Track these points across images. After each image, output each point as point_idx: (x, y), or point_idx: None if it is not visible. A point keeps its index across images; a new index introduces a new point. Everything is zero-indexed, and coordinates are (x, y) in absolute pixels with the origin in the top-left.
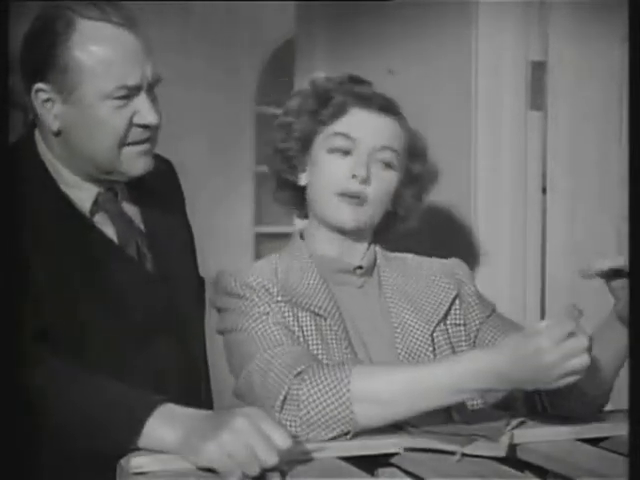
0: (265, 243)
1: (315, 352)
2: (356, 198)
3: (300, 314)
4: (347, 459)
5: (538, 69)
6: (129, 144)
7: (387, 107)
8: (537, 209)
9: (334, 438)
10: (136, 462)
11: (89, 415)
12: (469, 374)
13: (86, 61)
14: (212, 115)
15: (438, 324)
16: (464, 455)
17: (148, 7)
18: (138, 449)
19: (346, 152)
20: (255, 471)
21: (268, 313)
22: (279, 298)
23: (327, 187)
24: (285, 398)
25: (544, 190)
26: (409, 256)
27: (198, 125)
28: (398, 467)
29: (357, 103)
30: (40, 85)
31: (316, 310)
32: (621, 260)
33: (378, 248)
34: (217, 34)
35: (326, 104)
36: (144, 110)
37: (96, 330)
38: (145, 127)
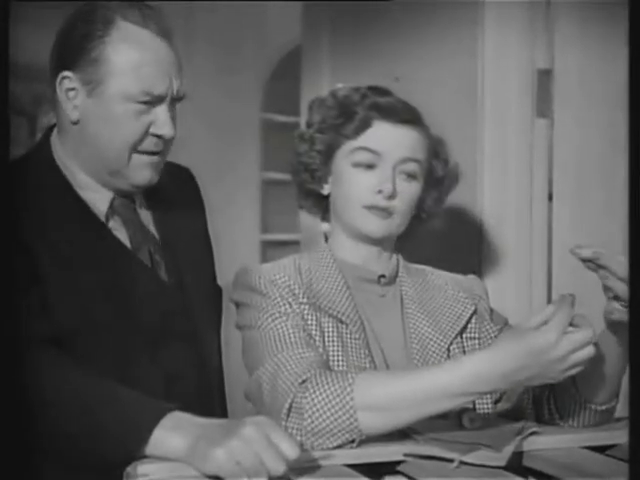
0: (271, 251)
1: (334, 358)
2: (384, 211)
3: (322, 319)
4: (353, 466)
5: (544, 77)
6: (140, 151)
7: (409, 118)
8: (543, 216)
9: (339, 446)
10: (143, 469)
11: (97, 421)
12: (473, 377)
13: (118, 60)
14: (218, 122)
15: (455, 337)
16: (465, 463)
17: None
18: (145, 456)
19: (370, 166)
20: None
21: (288, 314)
22: (303, 300)
23: (353, 200)
24: (290, 406)
25: (550, 197)
26: (428, 269)
27: (203, 132)
28: (404, 474)
29: (380, 116)
30: (67, 73)
31: (339, 316)
32: (590, 252)
33: (400, 258)
34: (223, 41)
35: (350, 118)
36: (162, 121)
37: (108, 335)
38: (159, 138)
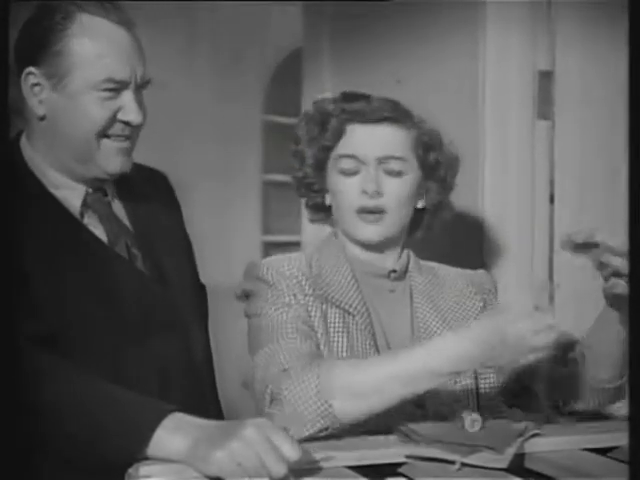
0: (273, 252)
1: (340, 348)
2: (373, 213)
3: (329, 310)
4: (355, 468)
5: (545, 79)
6: (108, 136)
7: (385, 116)
8: (545, 218)
9: (315, 434)
10: (145, 470)
11: (97, 423)
12: (442, 359)
13: (79, 51)
14: (219, 124)
15: None
16: (466, 465)
17: (154, 16)
18: (146, 458)
19: (355, 171)
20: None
21: (291, 305)
22: (309, 291)
23: (345, 207)
24: (272, 394)
25: (552, 199)
26: (438, 265)
27: (205, 133)
28: (406, 476)
29: (353, 120)
30: (31, 69)
31: (346, 307)
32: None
33: (411, 253)
34: (224, 43)
35: (325, 128)
36: (128, 107)
37: (92, 330)
38: (126, 124)
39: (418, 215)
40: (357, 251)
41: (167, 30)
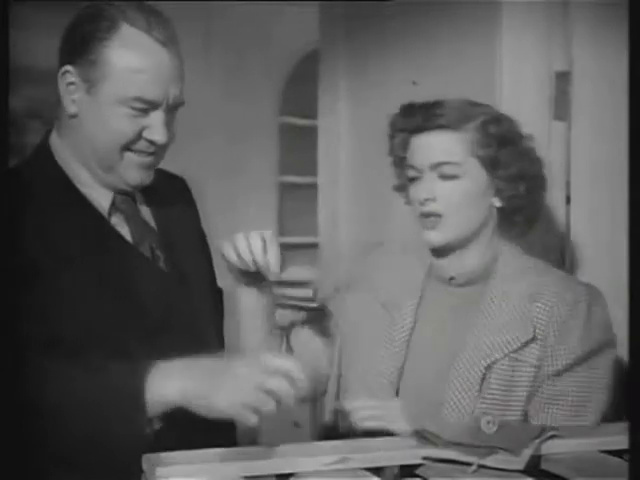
0: (288, 253)
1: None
2: (429, 217)
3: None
4: (372, 470)
5: (562, 79)
6: (132, 151)
7: (442, 124)
8: (561, 218)
9: None
10: (161, 472)
11: (97, 413)
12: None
13: (116, 63)
14: (235, 125)
15: (503, 357)
16: (483, 467)
17: (169, 18)
18: (153, 431)
19: (415, 178)
20: (273, 408)
21: None
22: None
23: (413, 211)
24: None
25: (568, 200)
26: (538, 269)
27: (220, 135)
28: (423, 477)
29: (411, 131)
30: (69, 67)
31: (391, 311)
32: None
33: (506, 249)
34: (239, 44)
35: (393, 141)
36: (155, 127)
37: (115, 328)
38: (151, 143)
39: (501, 215)
40: (432, 255)
41: (182, 32)
